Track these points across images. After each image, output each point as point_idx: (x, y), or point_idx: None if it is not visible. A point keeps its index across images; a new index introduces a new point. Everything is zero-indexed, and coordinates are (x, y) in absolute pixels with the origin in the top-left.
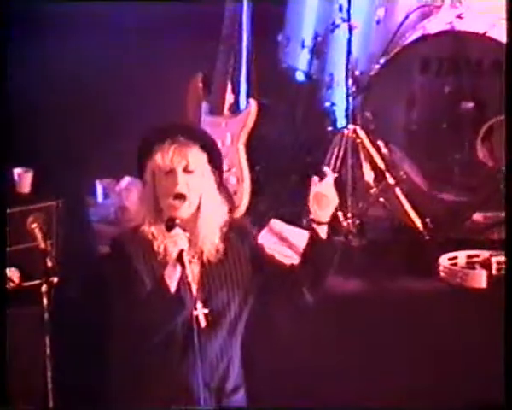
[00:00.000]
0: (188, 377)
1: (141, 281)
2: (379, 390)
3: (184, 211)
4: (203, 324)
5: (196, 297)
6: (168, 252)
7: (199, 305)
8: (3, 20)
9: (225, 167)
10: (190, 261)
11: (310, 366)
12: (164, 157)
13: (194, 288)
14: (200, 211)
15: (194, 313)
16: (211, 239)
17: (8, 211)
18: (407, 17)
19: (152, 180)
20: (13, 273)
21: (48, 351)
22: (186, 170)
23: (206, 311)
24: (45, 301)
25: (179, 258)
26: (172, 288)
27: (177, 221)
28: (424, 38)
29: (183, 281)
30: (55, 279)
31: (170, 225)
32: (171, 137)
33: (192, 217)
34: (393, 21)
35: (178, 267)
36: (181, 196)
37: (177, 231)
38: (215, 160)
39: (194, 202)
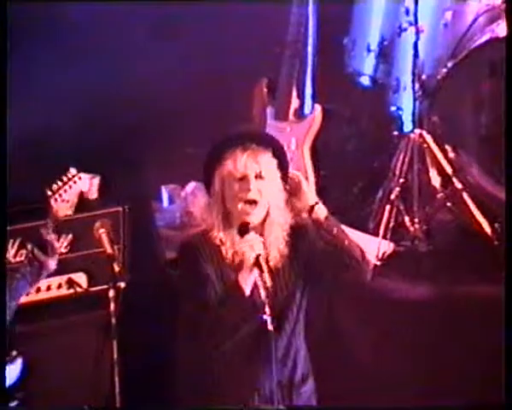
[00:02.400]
0: (259, 378)
1: (211, 284)
2: (443, 392)
3: (255, 216)
4: (271, 327)
5: (266, 301)
6: (244, 256)
7: (267, 309)
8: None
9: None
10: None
11: (376, 369)
12: (236, 164)
13: (269, 289)
14: (269, 216)
15: (264, 316)
16: (277, 244)
17: (74, 217)
18: (475, 20)
19: (221, 186)
20: (80, 278)
21: (115, 355)
22: (258, 176)
23: (273, 315)
24: (112, 306)
25: (257, 263)
26: (247, 292)
27: (251, 225)
28: (492, 41)
29: (256, 285)
30: (123, 284)
31: (243, 230)
32: (243, 144)
33: (261, 222)
34: (461, 24)
35: (255, 272)
36: (253, 202)
37: (253, 235)
38: (284, 165)
39: (265, 208)
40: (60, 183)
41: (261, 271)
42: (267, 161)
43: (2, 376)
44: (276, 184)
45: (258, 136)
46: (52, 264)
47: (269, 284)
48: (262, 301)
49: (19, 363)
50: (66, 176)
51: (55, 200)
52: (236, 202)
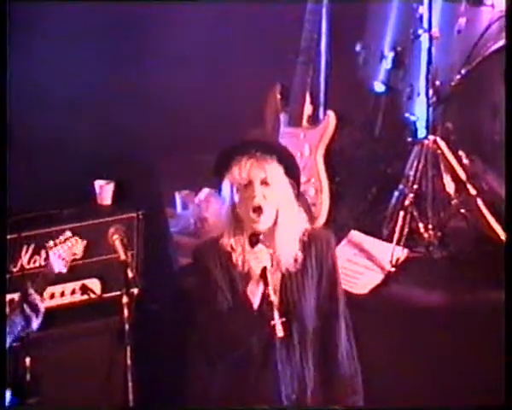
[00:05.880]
0: (268, 388)
1: (221, 292)
2: (458, 400)
3: (263, 223)
4: (280, 333)
5: (275, 308)
6: (251, 267)
7: (276, 314)
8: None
9: (304, 179)
10: (272, 275)
11: (389, 377)
12: (241, 171)
13: (275, 303)
14: (278, 222)
15: (272, 322)
16: (290, 249)
17: (88, 223)
18: (489, 27)
19: (230, 193)
20: (94, 284)
21: (129, 362)
22: (263, 182)
23: (283, 319)
24: (126, 312)
25: (263, 275)
26: (255, 304)
27: (261, 237)
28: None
29: (264, 297)
30: (136, 291)
31: (254, 241)
32: (248, 152)
33: (271, 228)
34: (475, 31)
35: (261, 284)
36: (258, 208)
37: (261, 247)
38: (292, 172)
39: (272, 214)
40: (57, 241)
41: (266, 284)
42: (272, 168)
43: (2, 377)
44: (284, 190)
45: (263, 143)
46: (35, 323)
47: (273, 298)
48: (269, 314)
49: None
50: (64, 236)
51: (54, 254)
52: (244, 208)
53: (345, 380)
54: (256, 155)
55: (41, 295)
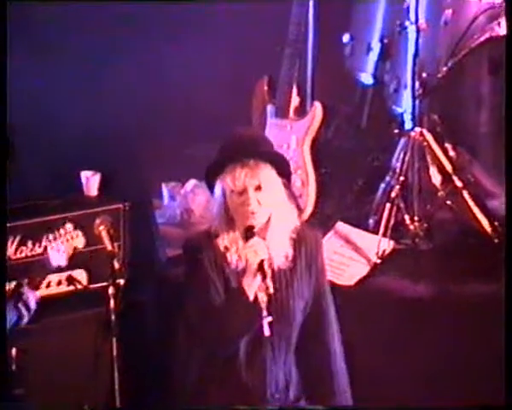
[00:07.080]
0: (254, 386)
1: (214, 287)
2: (444, 393)
3: (257, 225)
4: (267, 333)
5: (266, 306)
6: (248, 261)
7: (264, 313)
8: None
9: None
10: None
11: (374, 369)
12: (235, 180)
13: (264, 300)
14: (271, 221)
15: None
16: (281, 247)
17: (75, 213)
18: (475, 19)
19: (223, 197)
20: (80, 275)
21: (114, 353)
22: (257, 188)
23: (270, 319)
24: (112, 303)
25: (260, 267)
26: (251, 297)
27: (256, 230)
28: (492, 39)
29: (260, 290)
30: (122, 281)
31: (249, 234)
32: (241, 160)
33: (264, 226)
34: (461, 23)
35: (258, 277)
36: (253, 213)
37: (257, 240)
38: (284, 171)
39: (266, 216)
40: (57, 234)
41: (264, 276)
42: (266, 174)
43: (2, 376)
44: (277, 192)
45: (256, 151)
46: (26, 318)
47: (271, 290)
48: (262, 307)
49: None
50: (64, 230)
51: (52, 248)
52: (238, 212)
53: (335, 378)
54: (249, 163)
55: (35, 289)
